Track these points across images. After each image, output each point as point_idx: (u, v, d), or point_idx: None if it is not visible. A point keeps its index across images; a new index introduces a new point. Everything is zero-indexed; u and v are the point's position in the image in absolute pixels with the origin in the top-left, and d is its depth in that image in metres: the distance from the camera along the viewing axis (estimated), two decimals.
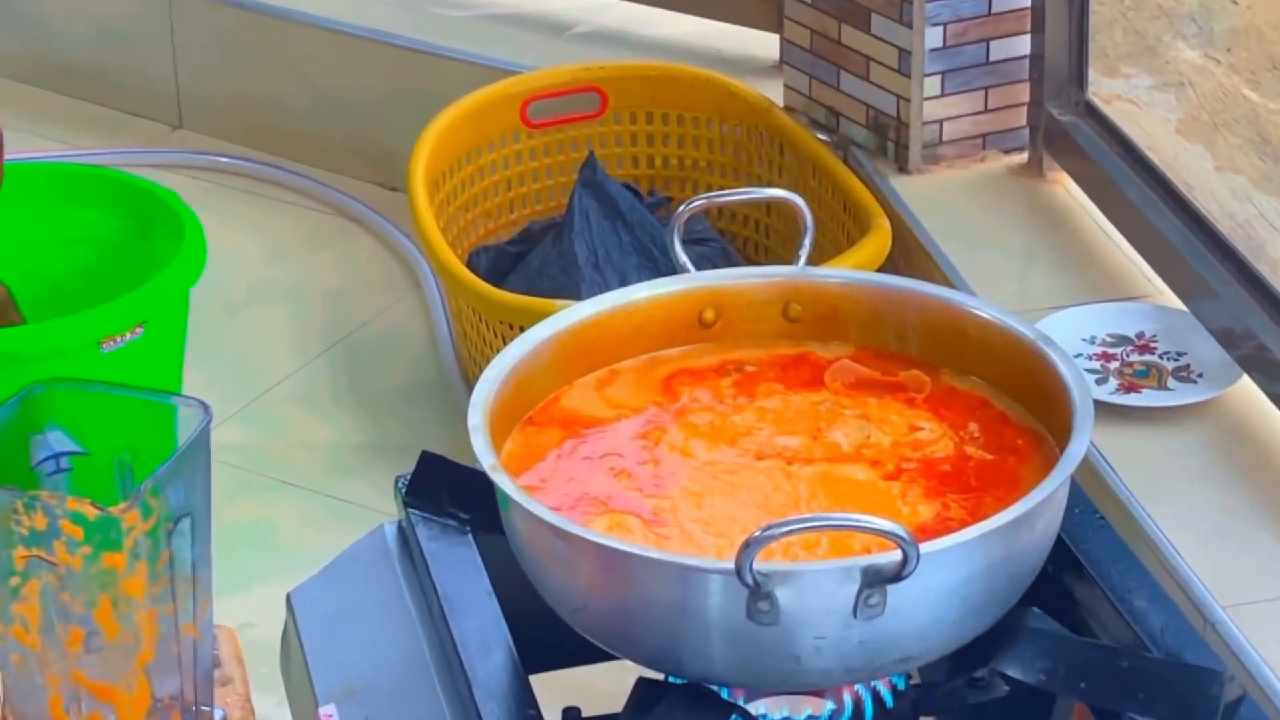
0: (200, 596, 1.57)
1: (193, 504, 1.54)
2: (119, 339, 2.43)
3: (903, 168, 2.83)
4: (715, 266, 2.09)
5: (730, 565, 1.30)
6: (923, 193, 2.77)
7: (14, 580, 1.51)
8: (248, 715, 1.73)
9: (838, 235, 2.73)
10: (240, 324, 3.06)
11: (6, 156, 2.72)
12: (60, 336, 2.38)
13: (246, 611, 2.10)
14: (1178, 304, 2.54)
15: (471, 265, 2.83)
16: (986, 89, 2.80)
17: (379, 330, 3.09)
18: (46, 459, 1.60)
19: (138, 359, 2.46)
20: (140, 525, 1.47)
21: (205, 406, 1.52)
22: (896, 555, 1.30)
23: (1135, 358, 2.45)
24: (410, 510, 1.74)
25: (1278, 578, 2.14)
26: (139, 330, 2.45)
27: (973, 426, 1.60)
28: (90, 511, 1.46)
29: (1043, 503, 1.41)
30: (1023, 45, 2.80)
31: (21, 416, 1.60)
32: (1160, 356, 2.47)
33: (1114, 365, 2.45)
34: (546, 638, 1.61)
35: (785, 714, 1.51)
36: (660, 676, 1.51)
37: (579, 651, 1.59)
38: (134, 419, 1.68)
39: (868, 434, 1.61)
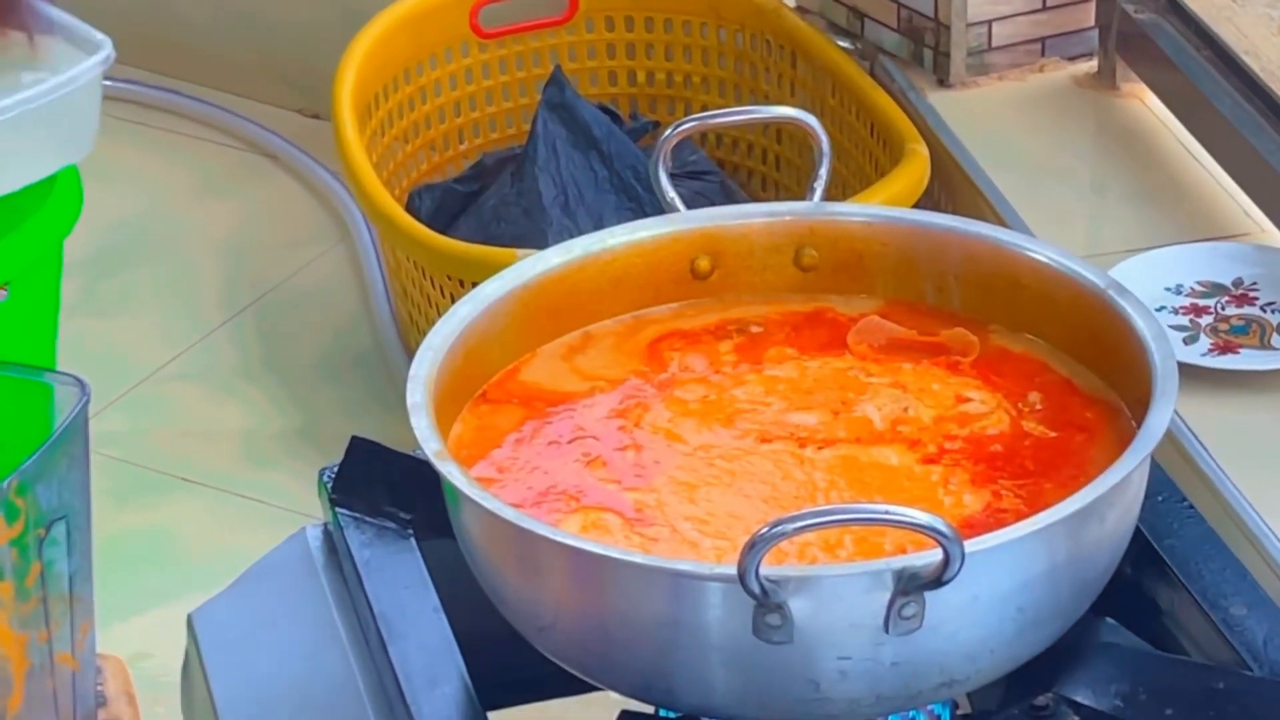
0: (79, 620, 1.44)
1: (69, 505, 1.40)
2: None
3: (943, 80, 2.63)
4: (712, 204, 1.98)
5: (732, 570, 1.18)
6: (968, 111, 2.60)
7: None
8: None
9: (863, 165, 2.54)
10: (125, 285, 2.88)
11: None
12: None
13: (139, 638, 2.04)
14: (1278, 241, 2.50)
15: (412, 208, 2.61)
16: None
17: (298, 289, 2.87)
18: None
19: (1, 327, 2.31)
20: (4, 532, 1.33)
21: (82, 384, 1.39)
22: (937, 555, 1.18)
23: (1232, 310, 2.27)
24: (338, 510, 1.59)
25: None
26: (2, 293, 2.28)
27: (1033, 397, 1.46)
28: None
29: (1116, 488, 1.27)
30: None
31: None
32: (1263, 309, 2.28)
33: (1205, 320, 2.26)
34: (508, 664, 1.45)
35: None
36: (649, 710, 1.37)
37: (548, 680, 1.45)
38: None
39: (905, 407, 1.45)
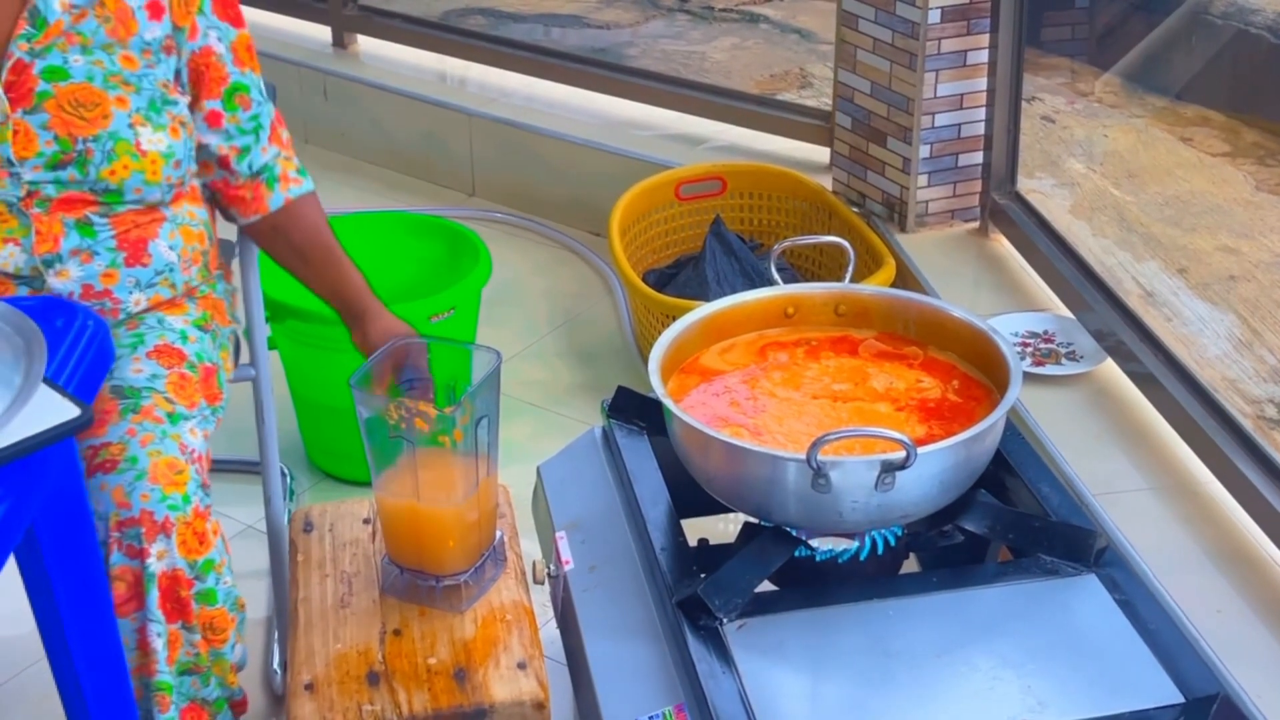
0: (492, 466, 1.99)
1: (488, 411, 1.96)
2: (440, 316, 2.83)
3: (903, 228, 3.34)
4: (792, 282, 2.27)
5: (804, 456, 1.74)
6: (914, 244, 3.26)
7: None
8: (514, 535, 2.17)
9: (863, 267, 3.07)
10: (507, 310, 3.52)
11: (372, 208, 3.12)
12: (408, 314, 2.53)
13: (510, 478, 2.31)
14: (1068, 314, 2.95)
15: (645, 280, 3.28)
16: (955, 183, 3.31)
17: (586, 317, 3.57)
18: (406, 381, 2.02)
19: (451, 327, 2.87)
20: (460, 420, 1.90)
21: (497, 353, 1.96)
22: (903, 454, 1.74)
23: (1042, 345, 2.86)
24: (611, 420, 2.16)
25: (1124, 480, 2.49)
26: (451, 311, 2.86)
27: (954, 383, 1.98)
28: (432, 411, 1.91)
29: (989, 428, 1.83)
30: (978, 157, 3.25)
31: (392, 358, 2.04)
32: (1057, 345, 2.86)
33: (1029, 349, 2.85)
34: (691, 497, 1.97)
35: (830, 548, 1.88)
36: (757, 521, 1.89)
37: (709, 505, 1.96)
38: (453, 360, 2.11)
39: (889, 383, 1.99)
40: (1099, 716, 1.63)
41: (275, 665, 2.46)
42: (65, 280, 1.95)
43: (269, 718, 2.36)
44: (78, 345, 1.64)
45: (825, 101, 3.58)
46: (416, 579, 2.02)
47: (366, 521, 2.23)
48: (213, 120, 2.07)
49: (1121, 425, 2.63)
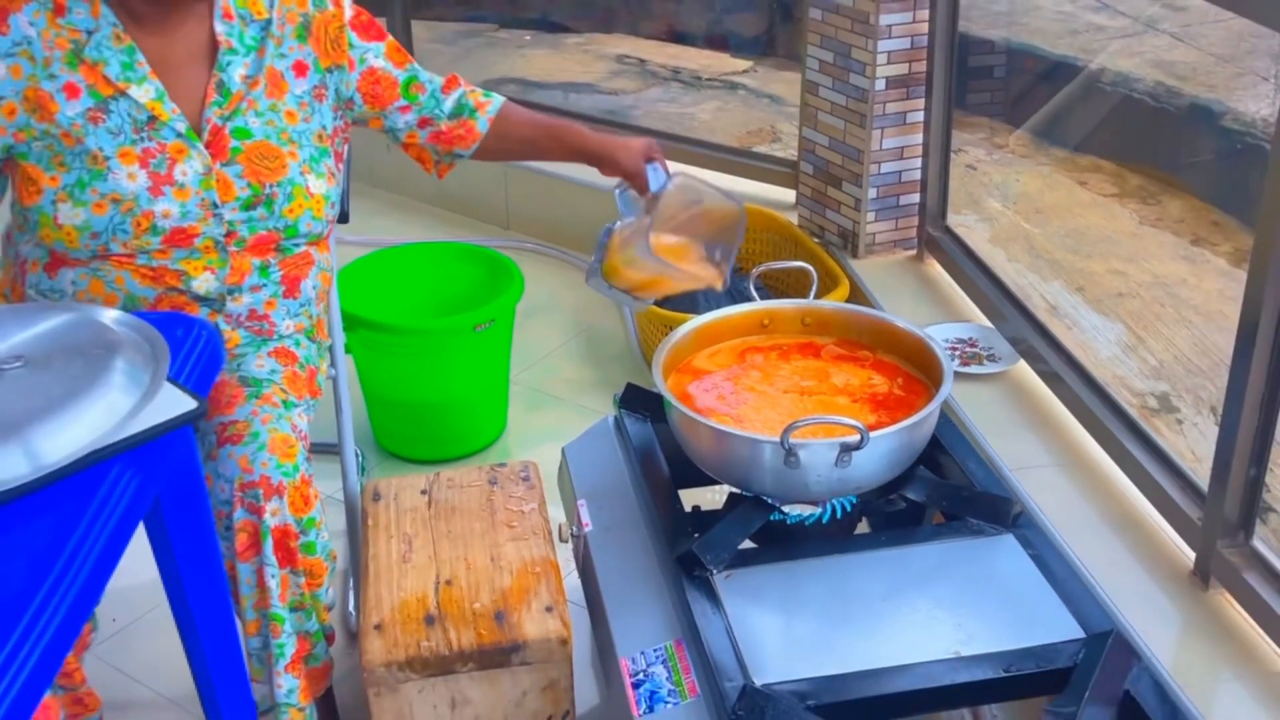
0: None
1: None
2: (483, 326, 2.81)
3: (855, 255, 3.24)
4: (767, 299, 2.22)
5: (778, 439, 1.72)
6: (865, 267, 3.21)
7: None
8: (543, 502, 2.15)
9: (824, 287, 3.02)
10: (537, 322, 3.47)
11: (427, 239, 3.06)
12: (457, 323, 2.72)
13: (540, 456, 2.42)
14: (988, 324, 2.91)
15: None
16: (896, 219, 3.23)
17: (601, 326, 3.51)
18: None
19: (491, 335, 2.86)
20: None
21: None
22: (858, 437, 1.71)
23: (968, 349, 2.85)
24: (621, 410, 2.14)
25: (1035, 458, 2.45)
26: (492, 322, 2.84)
27: (899, 380, 1.96)
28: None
29: (927, 416, 1.82)
30: (915, 198, 3.18)
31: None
32: (980, 349, 2.84)
33: (958, 352, 2.82)
34: (686, 472, 1.97)
35: (799, 513, 1.84)
36: (740, 492, 1.88)
37: (701, 478, 1.97)
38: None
39: (847, 380, 1.97)
40: (1016, 648, 1.62)
41: (350, 608, 2.46)
42: (239, 305, 1.98)
43: (347, 650, 2.36)
44: (194, 350, 1.66)
45: (792, 153, 3.56)
46: None
47: (423, 492, 2.22)
48: (404, 110, 2.07)
49: (1032, 414, 2.61)
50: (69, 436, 1.37)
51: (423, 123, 2.09)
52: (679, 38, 5.43)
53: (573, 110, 4.26)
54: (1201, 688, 1.88)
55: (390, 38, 2.08)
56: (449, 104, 2.10)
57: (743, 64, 5.16)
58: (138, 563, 1.57)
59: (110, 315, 1.61)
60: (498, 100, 2.15)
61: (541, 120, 2.15)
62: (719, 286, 1.94)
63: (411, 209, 4.13)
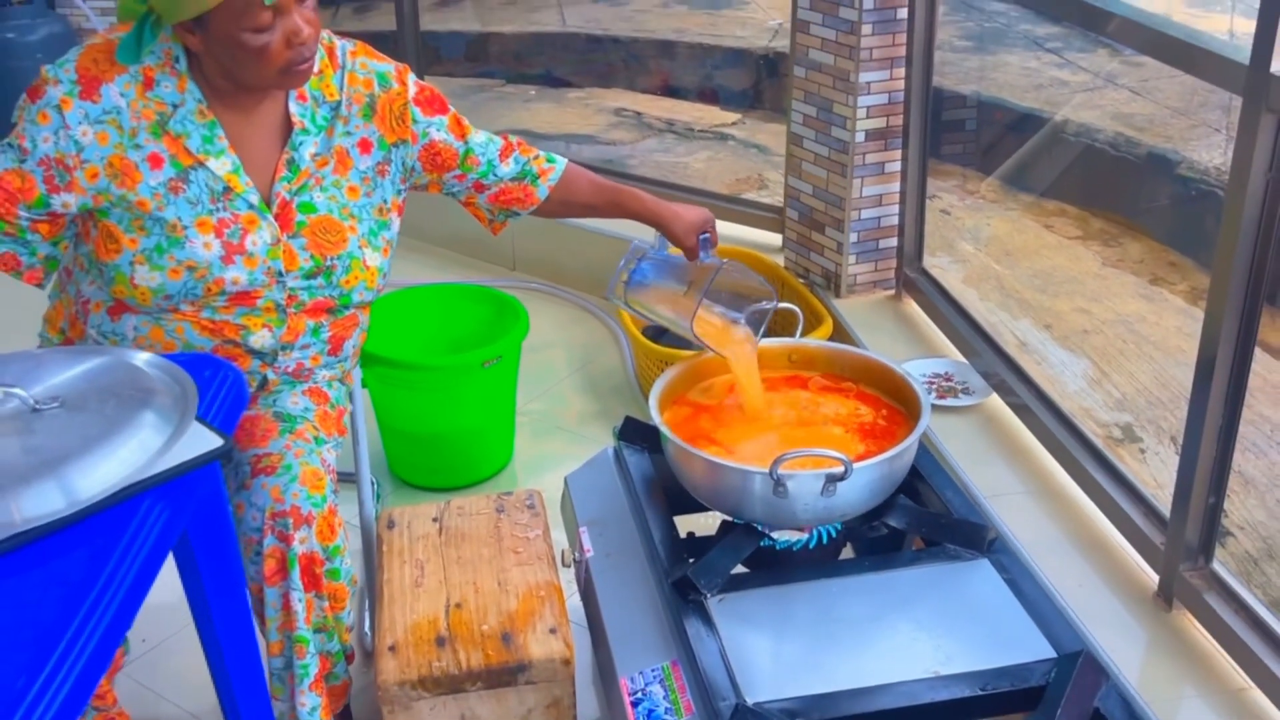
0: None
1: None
2: (490, 361, 2.80)
3: (838, 295, 3.23)
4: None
5: (768, 470, 1.72)
6: (848, 306, 3.20)
7: None
8: (547, 529, 2.14)
9: (808, 325, 3.02)
10: (542, 357, 3.46)
11: (439, 280, 3.05)
12: (467, 360, 2.70)
13: (543, 485, 2.44)
14: (962, 359, 2.91)
15: (644, 334, 3.18)
16: (876, 261, 3.22)
17: (601, 364, 3.49)
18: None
19: (498, 371, 2.85)
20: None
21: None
22: (842, 469, 1.71)
23: (944, 383, 2.85)
24: (620, 441, 2.13)
25: (1008, 486, 2.45)
26: (499, 358, 2.83)
27: (883, 411, 1.95)
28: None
29: (906, 448, 1.81)
30: (893, 242, 3.17)
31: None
32: (955, 383, 2.84)
33: (934, 386, 2.82)
34: (681, 500, 1.97)
35: (787, 539, 1.83)
36: (732, 519, 1.88)
37: (695, 506, 1.95)
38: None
39: (835, 411, 1.96)
40: (992, 668, 1.61)
41: (366, 629, 2.44)
42: (287, 359, 1.99)
43: (362, 668, 2.34)
44: (220, 390, 1.65)
45: (778, 199, 3.55)
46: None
47: (435, 520, 2.21)
48: (459, 179, 2.08)
49: (1004, 444, 2.61)
50: (103, 473, 1.37)
51: (479, 187, 2.08)
52: (673, 92, 5.49)
53: (575, 160, 4.12)
54: (1166, 704, 1.88)
55: (453, 110, 2.07)
56: (505, 171, 2.09)
57: (732, 116, 5.19)
58: (166, 583, 1.56)
59: (142, 358, 1.60)
60: (560, 165, 2.13)
61: (603, 186, 2.14)
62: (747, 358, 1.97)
63: (427, 253, 4.12)
